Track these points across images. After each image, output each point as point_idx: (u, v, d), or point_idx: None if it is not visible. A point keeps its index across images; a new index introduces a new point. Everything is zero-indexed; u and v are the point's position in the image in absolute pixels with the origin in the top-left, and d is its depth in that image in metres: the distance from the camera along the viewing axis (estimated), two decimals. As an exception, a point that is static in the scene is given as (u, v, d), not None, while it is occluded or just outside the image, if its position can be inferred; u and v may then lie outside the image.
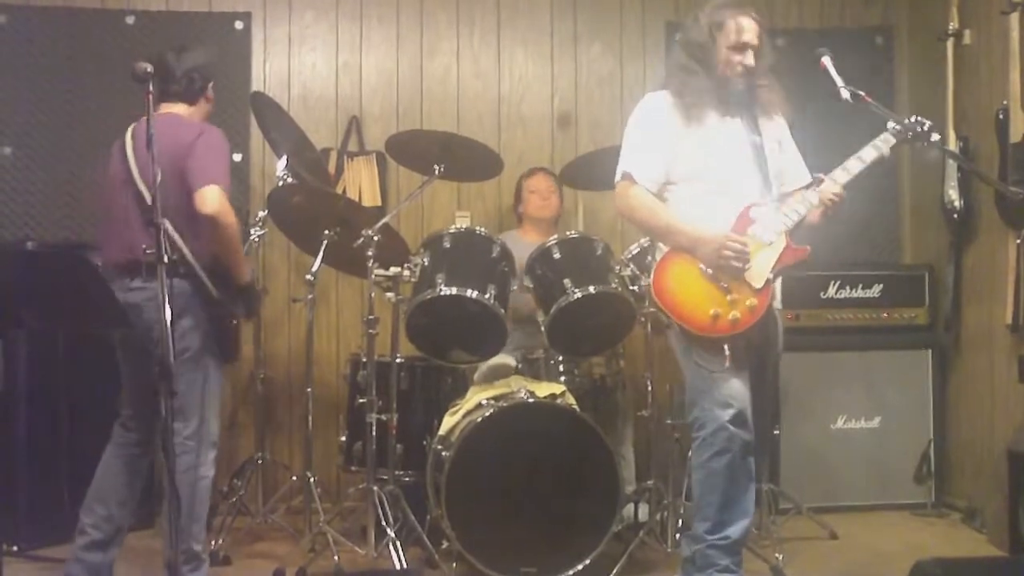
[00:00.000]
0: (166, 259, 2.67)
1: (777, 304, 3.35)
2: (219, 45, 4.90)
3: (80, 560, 3.34)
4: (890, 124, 3.27)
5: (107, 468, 3.40)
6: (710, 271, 3.19)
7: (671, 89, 3.36)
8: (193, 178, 3.24)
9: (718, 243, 3.17)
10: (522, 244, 4.28)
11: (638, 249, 4.10)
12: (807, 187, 3.32)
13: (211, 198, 3.21)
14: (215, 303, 3.33)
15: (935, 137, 3.28)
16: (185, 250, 3.24)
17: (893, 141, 3.26)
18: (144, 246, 3.19)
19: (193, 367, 3.30)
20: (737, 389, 3.18)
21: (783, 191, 3.38)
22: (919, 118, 3.27)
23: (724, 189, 3.28)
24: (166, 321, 2.44)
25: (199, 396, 3.32)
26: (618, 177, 3.37)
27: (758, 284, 3.19)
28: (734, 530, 3.19)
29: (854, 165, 3.24)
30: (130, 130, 3.43)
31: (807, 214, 3.25)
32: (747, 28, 3.31)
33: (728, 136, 3.33)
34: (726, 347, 3.17)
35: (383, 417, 3.91)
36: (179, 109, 3.47)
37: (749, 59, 3.31)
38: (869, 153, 3.25)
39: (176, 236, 3.20)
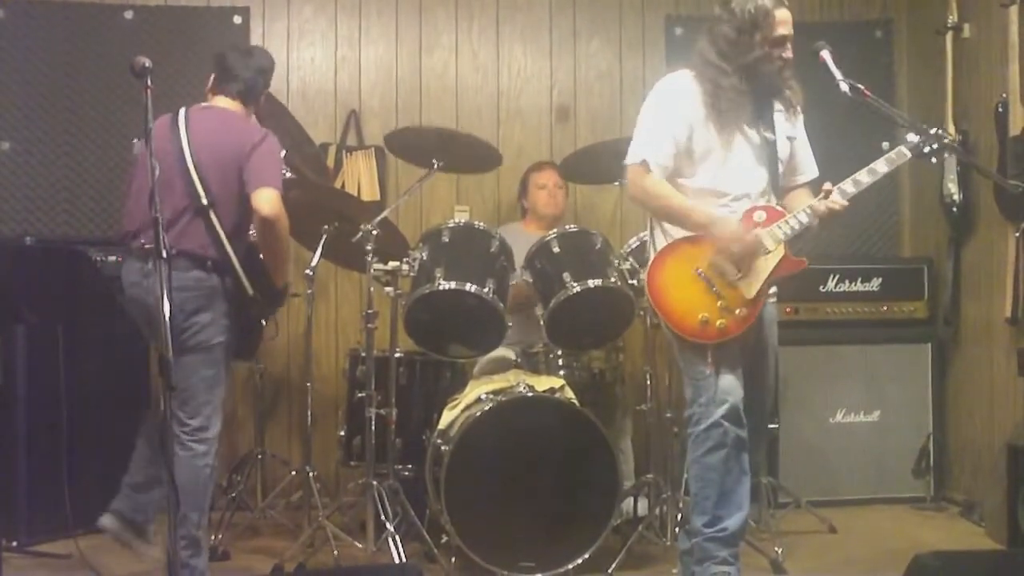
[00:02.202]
0: (165, 254, 2.65)
1: (772, 298, 3.34)
2: (217, 40, 4.89)
3: (126, 496, 3.37)
4: (910, 136, 3.20)
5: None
6: (704, 275, 3.17)
7: (704, 88, 3.21)
8: (255, 178, 3.26)
9: (743, 227, 3.14)
10: (525, 237, 4.27)
11: (637, 243, 4.09)
12: (807, 184, 3.30)
13: (271, 200, 3.24)
14: (247, 301, 3.31)
15: (952, 154, 3.24)
16: (226, 245, 3.24)
17: (908, 156, 3.21)
18: (143, 240, 3.20)
19: (207, 361, 3.30)
20: (730, 385, 3.17)
21: (787, 184, 3.37)
22: (936, 131, 3.20)
23: (732, 190, 3.24)
24: (164, 315, 2.44)
25: (210, 390, 3.32)
26: (632, 160, 3.25)
27: (750, 294, 3.16)
28: (731, 522, 3.19)
29: (865, 178, 3.19)
30: (182, 115, 3.36)
31: (809, 224, 3.20)
32: (787, 20, 3.21)
33: (746, 140, 3.26)
34: (709, 354, 3.16)
35: (382, 412, 3.91)
36: (234, 107, 3.47)
37: (788, 52, 3.22)
38: (882, 167, 3.20)
39: (220, 230, 3.22)
